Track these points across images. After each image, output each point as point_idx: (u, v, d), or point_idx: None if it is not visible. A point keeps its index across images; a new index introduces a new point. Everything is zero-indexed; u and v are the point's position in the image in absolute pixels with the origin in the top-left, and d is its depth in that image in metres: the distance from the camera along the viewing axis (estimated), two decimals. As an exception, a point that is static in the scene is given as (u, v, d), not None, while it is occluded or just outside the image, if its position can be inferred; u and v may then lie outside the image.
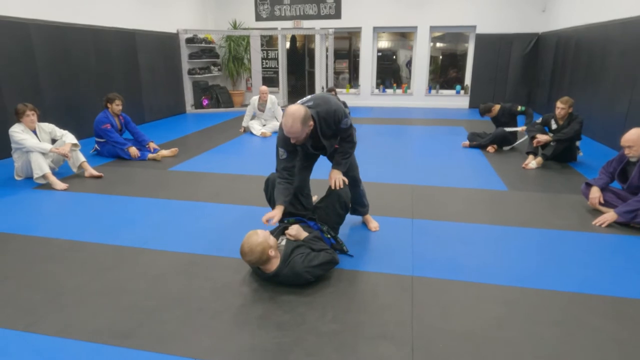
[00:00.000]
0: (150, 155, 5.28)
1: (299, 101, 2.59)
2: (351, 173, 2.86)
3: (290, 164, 2.64)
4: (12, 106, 4.53)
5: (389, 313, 2.13)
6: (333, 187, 2.65)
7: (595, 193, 3.43)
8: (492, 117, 5.75)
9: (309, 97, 2.59)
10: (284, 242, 2.45)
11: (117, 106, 5.19)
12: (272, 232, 2.52)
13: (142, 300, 2.24)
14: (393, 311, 2.14)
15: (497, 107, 5.68)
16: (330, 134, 2.59)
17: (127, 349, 1.86)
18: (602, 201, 3.40)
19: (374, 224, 3.14)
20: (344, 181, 2.66)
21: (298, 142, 2.49)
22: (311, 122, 2.43)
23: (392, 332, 1.98)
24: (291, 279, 2.30)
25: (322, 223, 2.67)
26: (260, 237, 2.27)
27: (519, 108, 5.53)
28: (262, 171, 4.66)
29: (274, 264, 2.31)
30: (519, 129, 5.63)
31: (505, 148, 5.69)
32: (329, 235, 2.61)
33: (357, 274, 2.50)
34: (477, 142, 5.76)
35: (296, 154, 2.67)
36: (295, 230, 2.49)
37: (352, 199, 2.88)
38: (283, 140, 2.55)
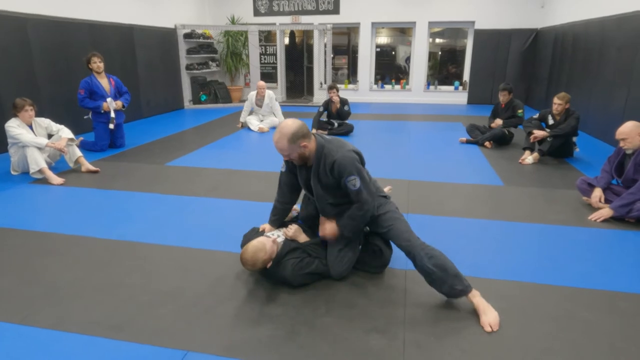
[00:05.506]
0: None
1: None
2: (397, 242, 2.28)
3: (286, 180, 2.45)
4: (8, 101, 4.53)
5: (382, 307, 2.14)
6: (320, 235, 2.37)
7: (596, 193, 3.44)
8: (500, 101, 5.78)
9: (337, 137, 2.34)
10: (281, 239, 2.39)
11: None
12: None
13: (137, 294, 2.25)
14: (386, 305, 2.15)
15: (509, 97, 5.72)
16: (326, 182, 2.22)
17: (121, 341, 1.88)
18: (602, 201, 3.40)
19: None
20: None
21: (290, 159, 2.23)
22: (305, 143, 2.12)
23: (384, 326, 1.99)
24: (275, 277, 2.30)
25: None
26: (267, 254, 2.19)
27: (519, 112, 5.57)
28: (259, 166, 4.67)
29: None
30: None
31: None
32: None
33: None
34: (475, 139, 5.78)
35: (293, 174, 2.43)
36: (293, 232, 2.41)
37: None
38: None
